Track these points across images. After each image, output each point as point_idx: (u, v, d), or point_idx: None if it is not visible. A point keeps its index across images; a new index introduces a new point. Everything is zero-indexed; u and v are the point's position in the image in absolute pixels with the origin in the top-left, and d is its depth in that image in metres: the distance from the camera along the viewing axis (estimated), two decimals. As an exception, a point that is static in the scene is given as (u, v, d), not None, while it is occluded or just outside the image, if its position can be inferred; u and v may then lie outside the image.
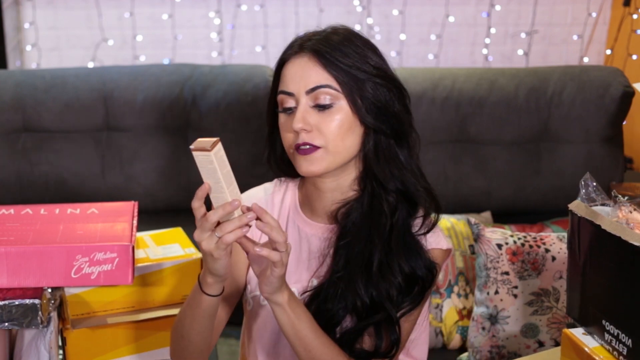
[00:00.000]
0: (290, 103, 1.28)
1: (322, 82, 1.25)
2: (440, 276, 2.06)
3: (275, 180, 1.45)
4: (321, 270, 1.34)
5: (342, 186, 1.33)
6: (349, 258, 1.30)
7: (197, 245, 1.26)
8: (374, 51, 1.31)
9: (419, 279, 1.30)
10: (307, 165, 1.27)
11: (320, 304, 1.29)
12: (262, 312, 1.38)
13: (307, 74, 1.26)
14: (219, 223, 1.13)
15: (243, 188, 1.29)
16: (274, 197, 1.43)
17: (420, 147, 1.36)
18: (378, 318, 1.29)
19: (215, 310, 1.26)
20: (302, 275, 1.37)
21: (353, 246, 1.30)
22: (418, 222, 1.33)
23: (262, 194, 1.44)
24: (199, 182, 1.12)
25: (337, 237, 1.33)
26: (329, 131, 1.26)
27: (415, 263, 1.30)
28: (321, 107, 1.26)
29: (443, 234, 1.37)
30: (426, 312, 1.42)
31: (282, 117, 1.30)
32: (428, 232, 1.33)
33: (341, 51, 1.26)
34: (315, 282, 1.34)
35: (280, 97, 1.29)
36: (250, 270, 1.40)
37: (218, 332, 1.38)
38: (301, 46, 1.28)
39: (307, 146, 1.26)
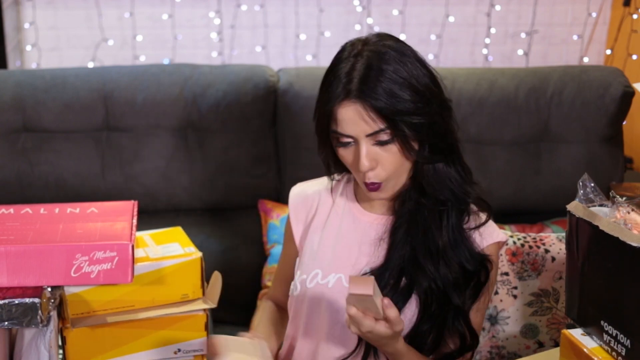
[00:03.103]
0: (348, 139, 1.34)
1: (379, 127, 1.31)
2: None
3: (327, 178, 1.54)
4: (375, 256, 1.43)
5: (398, 182, 1.41)
6: (402, 245, 1.40)
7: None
8: (410, 70, 1.33)
9: (473, 274, 1.39)
10: (375, 195, 1.39)
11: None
12: (309, 294, 1.47)
13: (363, 122, 1.31)
14: None
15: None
16: (330, 191, 1.53)
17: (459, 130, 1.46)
18: (446, 315, 1.38)
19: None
20: (358, 261, 1.45)
21: (407, 233, 1.40)
22: (471, 217, 1.44)
23: (316, 187, 1.57)
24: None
25: (393, 225, 1.43)
26: (390, 164, 1.34)
27: (464, 258, 1.39)
28: (382, 143, 1.33)
29: (496, 226, 1.47)
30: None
31: (341, 150, 1.36)
32: (478, 227, 1.43)
33: (386, 94, 1.29)
34: (367, 269, 1.42)
35: (337, 135, 1.35)
36: (298, 259, 1.54)
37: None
38: (348, 91, 1.31)
39: (374, 184, 1.36)
